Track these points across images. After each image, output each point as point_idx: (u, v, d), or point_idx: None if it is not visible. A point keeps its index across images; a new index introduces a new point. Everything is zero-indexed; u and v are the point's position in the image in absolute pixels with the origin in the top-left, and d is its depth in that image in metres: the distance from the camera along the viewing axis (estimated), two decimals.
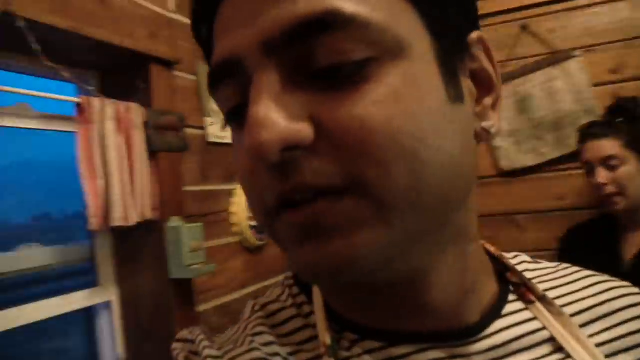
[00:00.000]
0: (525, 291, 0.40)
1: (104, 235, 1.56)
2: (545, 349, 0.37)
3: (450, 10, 0.33)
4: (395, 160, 0.28)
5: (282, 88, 0.29)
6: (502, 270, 0.42)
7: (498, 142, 2.15)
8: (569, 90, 2.04)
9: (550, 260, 0.47)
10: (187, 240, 1.48)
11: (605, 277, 0.45)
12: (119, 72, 1.55)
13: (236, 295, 1.74)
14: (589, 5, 2.06)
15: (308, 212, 0.29)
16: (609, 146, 1.63)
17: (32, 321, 1.33)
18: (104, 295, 1.56)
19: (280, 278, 0.45)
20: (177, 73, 1.60)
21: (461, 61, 0.34)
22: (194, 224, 1.54)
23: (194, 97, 1.68)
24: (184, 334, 0.41)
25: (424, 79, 0.30)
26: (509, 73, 2.13)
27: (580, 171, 1.83)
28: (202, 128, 1.71)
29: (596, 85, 2.03)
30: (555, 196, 2.10)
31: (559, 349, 0.37)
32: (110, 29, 1.38)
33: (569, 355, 0.37)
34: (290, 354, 0.36)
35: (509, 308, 0.39)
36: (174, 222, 1.51)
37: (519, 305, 0.40)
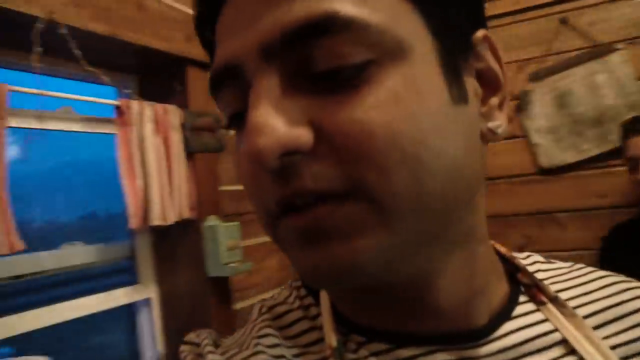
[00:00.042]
0: (537, 292, 0.40)
1: (143, 234, 1.61)
2: (557, 351, 0.36)
3: (453, 9, 0.32)
4: (395, 164, 0.28)
5: (281, 92, 0.29)
6: (513, 271, 0.41)
7: (537, 139, 2.10)
8: (612, 85, 1.98)
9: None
10: (224, 239, 1.51)
11: (622, 278, 0.43)
12: (156, 75, 1.59)
13: (272, 293, 1.76)
14: None
15: (309, 216, 0.29)
16: None
17: (77, 316, 1.38)
18: (144, 293, 1.60)
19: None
20: None
21: (465, 61, 0.33)
22: (231, 223, 1.56)
23: None
24: (191, 336, 0.41)
25: (426, 81, 0.30)
26: (547, 68, 2.08)
27: (622, 168, 1.77)
28: None
29: None
30: (596, 194, 2.04)
31: (571, 351, 0.36)
32: (147, 34, 1.41)
33: (582, 358, 0.36)
34: (296, 356, 0.36)
35: (519, 310, 0.38)
36: (211, 221, 1.53)
37: (530, 306, 0.39)
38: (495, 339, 0.36)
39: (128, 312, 1.67)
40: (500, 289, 0.39)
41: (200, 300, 1.54)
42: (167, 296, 1.61)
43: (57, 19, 1.17)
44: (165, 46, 1.46)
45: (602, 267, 0.45)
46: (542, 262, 0.45)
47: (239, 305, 1.63)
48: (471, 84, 0.33)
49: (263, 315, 0.40)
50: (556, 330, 0.37)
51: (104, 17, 1.29)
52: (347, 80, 0.28)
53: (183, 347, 0.40)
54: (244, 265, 1.56)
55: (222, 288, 1.57)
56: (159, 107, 1.44)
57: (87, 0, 1.26)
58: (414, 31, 0.30)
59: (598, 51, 2.01)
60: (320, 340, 0.36)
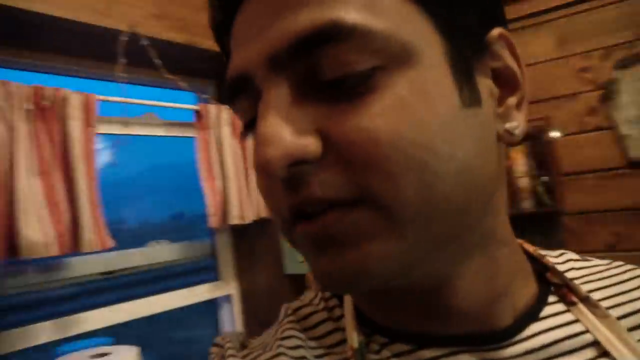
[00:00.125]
0: (567, 292, 0.38)
1: (223, 233, 1.67)
2: (589, 353, 0.34)
3: (462, 9, 0.31)
4: (403, 172, 0.28)
5: (289, 102, 0.29)
6: (542, 271, 0.40)
7: (626, 130, 1.96)
8: None
9: None
10: None
11: None
12: None
13: None
14: None
15: (319, 223, 0.29)
16: None
17: (163, 310, 1.47)
18: (225, 289, 1.66)
19: None
20: None
21: (478, 61, 0.32)
22: None
23: None
24: (218, 339, 0.42)
25: (434, 85, 0.29)
26: (637, 54, 1.94)
27: None
28: None
29: None
30: None
31: (603, 353, 0.34)
32: None
33: None
34: (320, 357, 0.36)
35: (548, 310, 0.37)
36: None
37: (559, 307, 0.37)
38: (520, 340, 0.35)
39: (212, 307, 1.75)
40: (528, 289, 0.38)
41: (278, 296, 1.58)
42: (247, 293, 1.67)
43: (139, 31, 1.24)
44: None
45: None
46: (576, 260, 0.43)
47: None
48: (485, 85, 0.32)
49: (289, 317, 0.41)
50: (587, 331, 0.36)
51: (182, 26, 1.35)
52: (353, 88, 0.28)
53: (212, 349, 0.42)
54: None
55: (300, 285, 1.60)
56: None
57: (165, 12, 1.33)
58: (421, 34, 0.29)
59: None
60: (344, 341, 0.37)
